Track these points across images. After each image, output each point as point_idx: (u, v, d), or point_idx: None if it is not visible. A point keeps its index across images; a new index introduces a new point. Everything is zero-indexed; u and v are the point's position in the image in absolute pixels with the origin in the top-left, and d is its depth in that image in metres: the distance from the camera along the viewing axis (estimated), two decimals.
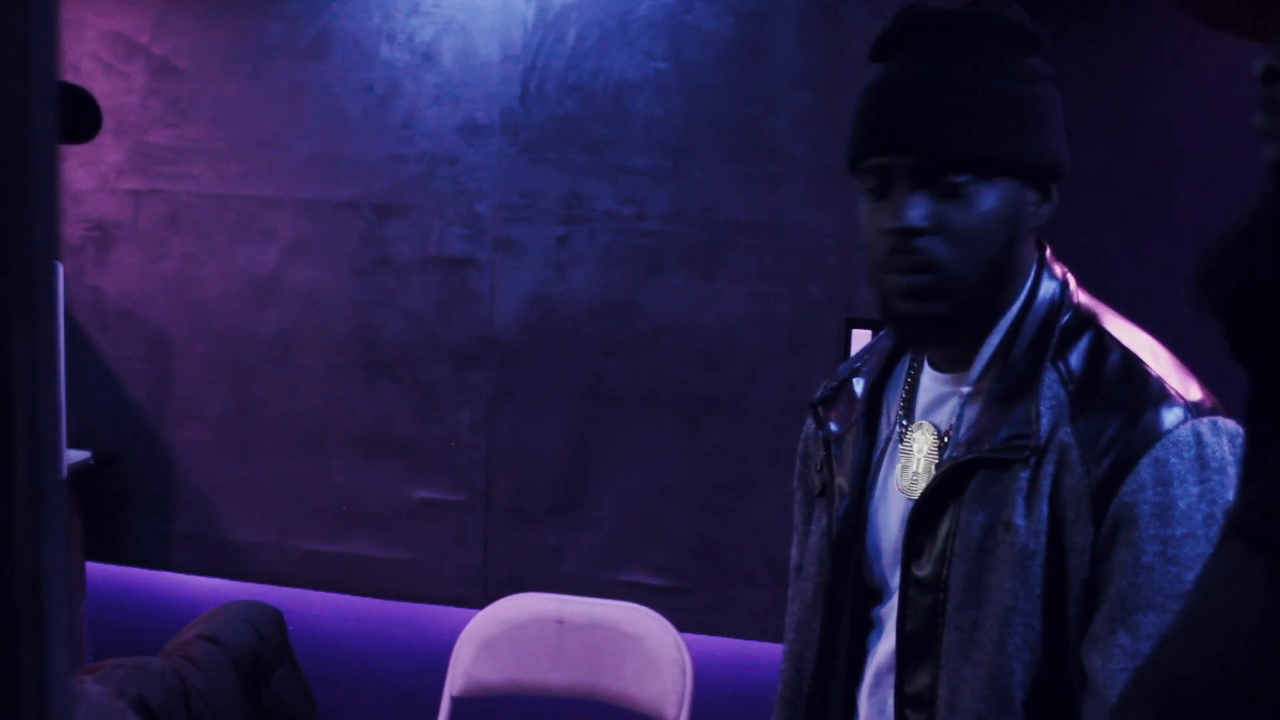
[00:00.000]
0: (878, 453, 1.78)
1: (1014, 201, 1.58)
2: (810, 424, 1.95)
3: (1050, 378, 1.56)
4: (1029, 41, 1.62)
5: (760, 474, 3.59)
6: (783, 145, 3.51)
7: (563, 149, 3.64)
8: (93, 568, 3.99)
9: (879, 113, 1.63)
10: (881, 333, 1.91)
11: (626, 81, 3.59)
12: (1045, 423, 1.53)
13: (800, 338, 3.54)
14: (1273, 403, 0.82)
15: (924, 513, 1.62)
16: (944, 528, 1.60)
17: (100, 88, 3.88)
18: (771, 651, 3.58)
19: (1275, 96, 0.83)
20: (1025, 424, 1.54)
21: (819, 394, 1.91)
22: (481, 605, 3.35)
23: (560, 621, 3.19)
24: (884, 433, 1.79)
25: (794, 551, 1.98)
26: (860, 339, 3.48)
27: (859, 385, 1.83)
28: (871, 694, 1.75)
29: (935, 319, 1.60)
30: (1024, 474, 1.53)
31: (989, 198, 1.56)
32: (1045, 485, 1.51)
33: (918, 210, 1.57)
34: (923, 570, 1.62)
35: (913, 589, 1.64)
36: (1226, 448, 1.48)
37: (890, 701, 1.68)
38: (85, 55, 3.90)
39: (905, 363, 1.80)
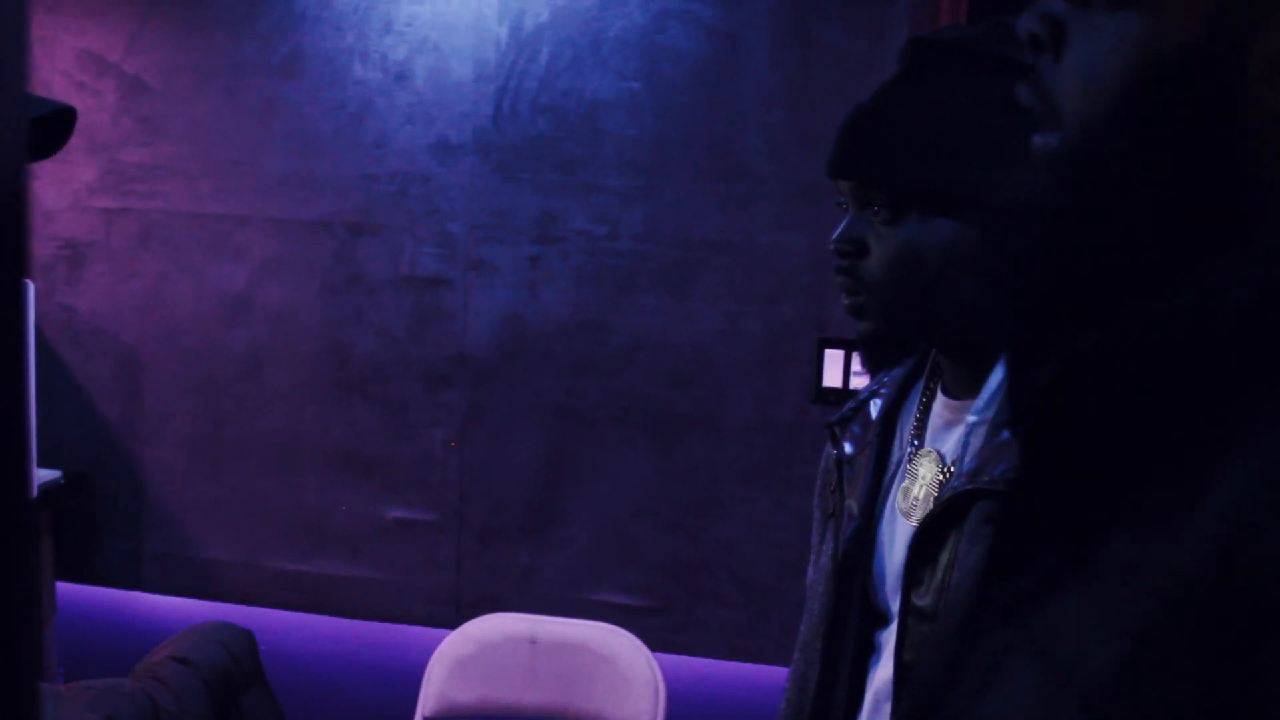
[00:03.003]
0: (888, 476, 1.77)
1: (943, 232, 1.58)
2: (829, 444, 1.94)
3: None
4: (1009, 71, 1.61)
5: (732, 493, 3.60)
6: (755, 164, 3.52)
7: (535, 168, 3.64)
8: (63, 587, 3.97)
9: (835, 136, 1.66)
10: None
11: (599, 101, 3.59)
12: None
13: (772, 357, 3.54)
14: (1043, 489, 0.73)
15: (925, 541, 1.61)
16: (944, 558, 1.59)
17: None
18: (743, 671, 3.58)
19: (1039, 69, 0.73)
20: None
21: (837, 414, 1.90)
22: (454, 625, 3.34)
23: (533, 641, 3.18)
24: (895, 456, 1.78)
25: (810, 570, 1.97)
26: (833, 358, 3.49)
27: (875, 407, 1.82)
28: None
29: (868, 337, 1.65)
30: None
31: (911, 226, 1.58)
32: None
33: (846, 231, 1.62)
34: (923, 599, 1.61)
35: (911, 618, 1.62)
36: None
37: None
38: (57, 73, 3.89)
39: (920, 386, 1.79)
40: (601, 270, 3.63)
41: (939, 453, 1.68)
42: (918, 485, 1.69)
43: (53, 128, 1.60)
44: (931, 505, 1.64)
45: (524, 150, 3.65)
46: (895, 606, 1.68)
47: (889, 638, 1.71)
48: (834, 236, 1.62)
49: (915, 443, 1.73)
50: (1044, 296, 0.69)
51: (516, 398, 3.71)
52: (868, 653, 1.79)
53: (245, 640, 3.04)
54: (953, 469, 1.64)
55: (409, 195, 3.72)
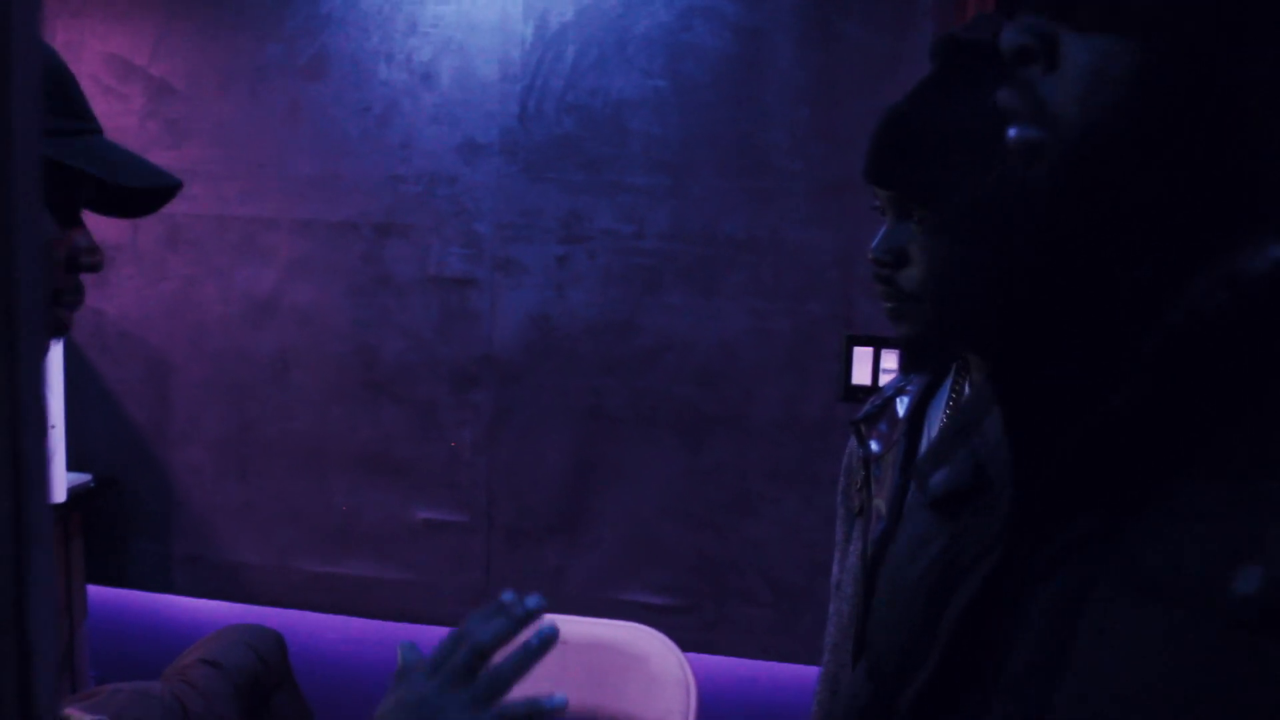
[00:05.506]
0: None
1: None
2: (853, 441, 1.92)
3: None
4: None
5: (760, 491, 3.58)
6: (781, 161, 3.50)
7: (561, 168, 3.64)
8: (93, 590, 3.98)
9: (870, 143, 1.64)
10: None
11: (625, 100, 3.59)
12: None
13: (799, 354, 3.53)
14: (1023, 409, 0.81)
15: None
16: None
17: (99, 109, 3.86)
18: (774, 671, 3.57)
19: (1029, 79, 0.78)
20: None
21: (862, 411, 1.89)
22: None
23: (563, 641, 3.17)
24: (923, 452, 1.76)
25: (835, 569, 1.95)
26: (862, 356, 3.47)
27: (902, 405, 1.81)
28: None
29: (908, 342, 1.63)
30: None
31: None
32: None
33: (886, 241, 1.60)
34: None
35: None
36: None
37: None
38: (84, 77, 3.88)
39: (949, 383, 1.78)
40: (628, 269, 3.62)
41: None
42: None
43: (152, 197, 1.60)
44: None
45: (550, 150, 3.65)
46: None
47: None
48: (873, 245, 1.59)
49: None
50: (1042, 279, 0.76)
51: (544, 398, 3.70)
52: None
53: (274, 642, 3.05)
54: None
55: (435, 196, 3.72)
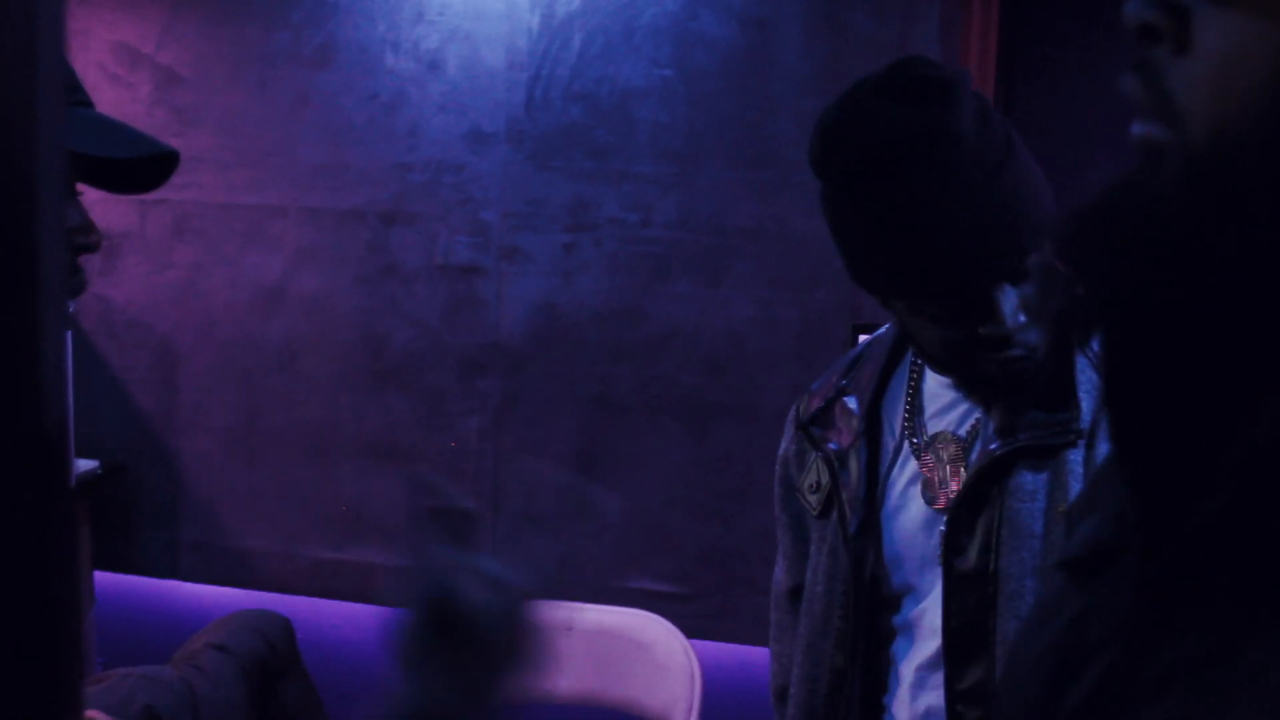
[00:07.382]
0: (884, 465, 1.77)
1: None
2: (789, 448, 1.94)
3: (1082, 363, 1.57)
4: (967, 85, 1.66)
5: (767, 480, 3.58)
6: (788, 151, 3.51)
7: (568, 156, 3.64)
8: (101, 577, 3.99)
9: (906, 266, 1.65)
10: (855, 348, 1.92)
11: (631, 89, 3.59)
12: (1086, 406, 1.54)
13: (806, 343, 3.53)
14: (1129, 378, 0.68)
15: (964, 508, 1.62)
16: (986, 520, 1.60)
17: (106, 98, 3.88)
18: None
19: (1155, 63, 0.64)
20: (1065, 410, 1.55)
21: (807, 416, 1.90)
22: None
23: (569, 628, 3.18)
24: (889, 444, 1.78)
25: (778, 576, 1.97)
26: None
27: (852, 402, 1.83)
28: (914, 697, 1.74)
29: (1034, 372, 1.62)
30: (1074, 455, 1.54)
31: (1034, 260, 1.58)
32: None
33: (1014, 305, 1.57)
34: (966, 564, 1.62)
35: (957, 583, 1.63)
36: None
37: (940, 701, 1.67)
38: (91, 65, 3.90)
39: (904, 372, 1.80)
40: (635, 258, 3.63)
41: (950, 431, 1.69)
42: (941, 468, 1.69)
43: (152, 170, 1.55)
44: (964, 475, 1.65)
45: (557, 138, 3.65)
46: (925, 583, 1.70)
47: (921, 614, 1.72)
48: (1005, 321, 1.57)
49: (911, 428, 1.74)
50: (1168, 289, 0.64)
51: (550, 386, 3.71)
52: (885, 638, 1.79)
53: (282, 627, 3.05)
54: (971, 440, 1.66)
55: (442, 184, 3.72)
